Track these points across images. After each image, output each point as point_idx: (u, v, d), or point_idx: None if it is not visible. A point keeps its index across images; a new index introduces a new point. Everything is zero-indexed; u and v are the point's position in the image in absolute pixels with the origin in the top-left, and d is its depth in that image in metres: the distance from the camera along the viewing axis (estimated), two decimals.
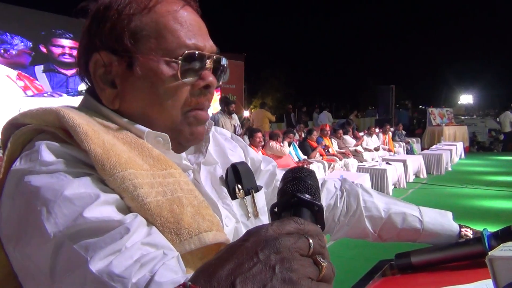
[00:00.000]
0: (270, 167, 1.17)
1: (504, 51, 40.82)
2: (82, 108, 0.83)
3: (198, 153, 0.94)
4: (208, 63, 0.85)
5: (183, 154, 0.91)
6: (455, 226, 1.17)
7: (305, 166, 8.26)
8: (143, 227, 0.66)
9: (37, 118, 0.77)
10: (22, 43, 10.40)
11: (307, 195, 0.66)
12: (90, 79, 0.85)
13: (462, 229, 1.16)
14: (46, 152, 0.70)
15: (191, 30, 0.83)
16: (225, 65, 0.91)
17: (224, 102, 8.93)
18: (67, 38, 11.28)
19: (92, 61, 0.81)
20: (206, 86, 0.84)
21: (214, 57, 0.86)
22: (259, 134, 7.85)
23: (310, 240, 0.48)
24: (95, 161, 0.69)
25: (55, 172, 0.67)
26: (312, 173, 0.76)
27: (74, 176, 0.67)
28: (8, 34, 10.07)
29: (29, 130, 0.77)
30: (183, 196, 0.74)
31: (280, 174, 1.18)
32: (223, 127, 7.47)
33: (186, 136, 0.86)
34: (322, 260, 0.48)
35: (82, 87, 0.91)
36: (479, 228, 1.14)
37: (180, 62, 0.80)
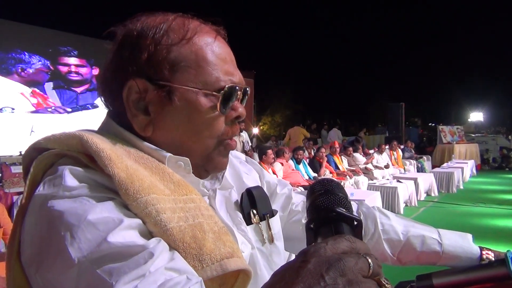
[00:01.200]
0: (285, 190, 1.17)
1: None
2: (102, 132, 0.83)
3: (214, 179, 0.95)
4: (239, 94, 0.87)
5: (200, 179, 0.91)
6: (475, 249, 1.14)
7: None
8: (166, 252, 0.65)
9: (59, 142, 0.77)
10: (40, 62, 10.59)
11: (343, 209, 0.66)
12: (114, 103, 0.86)
13: (484, 252, 1.14)
14: (69, 177, 0.70)
15: (226, 62, 0.85)
16: (249, 93, 0.93)
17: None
18: (72, 56, 11.46)
19: (126, 87, 0.81)
20: (237, 117, 0.87)
21: (243, 88, 0.88)
22: (270, 152, 7.98)
23: (369, 260, 0.49)
24: (119, 185, 0.69)
25: (78, 197, 0.67)
26: (340, 185, 0.75)
27: (97, 201, 0.67)
28: (26, 53, 10.29)
29: (51, 155, 0.77)
30: (204, 221, 0.73)
31: (295, 198, 1.18)
32: None
33: (215, 164, 0.88)
34: (385, 281, 0.49)
35: (98, 101, 0.92)
36: (498, 248, 1.12)
37: (220, 96, 0.82)
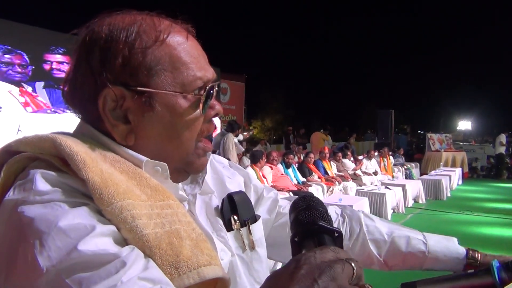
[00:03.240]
0: (272, 194, 1.17)
1: (501, 78, 41.20)
2: (77, 134, 0.80)
3: (194, 184, 0.93)
4: (214, 91, 0.85)
5: (180, 184, 0.89)
6: (461, 249, 1.13)
7: (304, 189, 8.24)
8: (140, 261, 0.63)
9: (31, 145, 0.74)
10: (26, 60, 10.48)
11: (324, 222, 0.72)
12: (86, 110, 0.82)
13: (470, 251, 1.13)
14: (41, 181, 0.67)
15: (199, 61, 0.83)
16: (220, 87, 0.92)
17: (232, 125, 8.90)
18: (55, 53, 11.34)
19: (102, 96, 0.77)
20: (215, 115, 0.87)
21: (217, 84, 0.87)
22: (264, 156, 8.15)
23: (352, 264, 0.55)
24: (93, 190, 0.66)
25: (49, 202, 0.64)
26: (320, 200, 0.82)
27: (70, 206, 0.64)
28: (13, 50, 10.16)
29: (23, 158, 0.74)
30: (181, 228, 0.71)
31: (282, 202, 1.18)
32: (225, 145, 7.43)
33: (196, 167, 0.87)
34: (369, 286, 0.56)
35: None
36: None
37: (199, 95, 0.81)
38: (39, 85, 10.81)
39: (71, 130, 0.86)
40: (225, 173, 1.06)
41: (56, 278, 0.57)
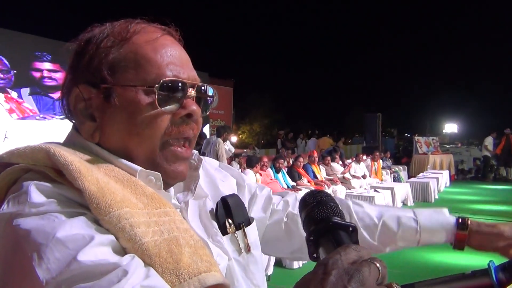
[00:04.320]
0: (265, 192, 1.17)
1: (486, 81, 41.84)
2: (69, 144, 0.80)
3: (187, 191, 0.93)
4: (191, 92, 0.83)
5: (172, 193, 0.89)
6: (451, 218, 1.14)
7: (295, 192, 8.24)
8: (141, 269, 0.62)
9: (24, 156, 0.73)
10: (13, 66, 10.35)
11: (338, 218, 0.71)
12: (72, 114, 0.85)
13: (459, 219, 1.14)
14: (36, 193, 0.66)
15: (170, 59, 0.82)
16: (211, 94, 0.90)
17: (219, 130, 8.88)
18: (45, 60, 11.21)
19: (72, 95, 0.80)
20: (188, 115, 0.83)
21: (197, 86, 0.85)
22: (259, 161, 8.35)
23: (378, 265, 0.55)
24: (90, 199, 0.66)
25: (45, 213, 0.63)
26: (329, 195, 0.80)
27: (67, 217, 0.64)
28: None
29: (15, 170, 0.73)
30: (180, 235, 0.71)
31: (275, 198, 1.18)
32: (218, 151, 7.40)
33: (168, 173, 0.83)
34: (396, 286, 0.56)
35: None
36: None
37: (156, 90, 0.78)
38: (25, 91, 10.67)
39: (61, 136, 0.86)
40: (217, 176, 1.06)
41: None
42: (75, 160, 0.70)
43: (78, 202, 0.68)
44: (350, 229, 0.69)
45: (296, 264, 5.51)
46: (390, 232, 1.16)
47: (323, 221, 0.71)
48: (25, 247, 0.59)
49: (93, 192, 0.66)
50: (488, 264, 1.04)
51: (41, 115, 10.81)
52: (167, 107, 0.80)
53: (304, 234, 1.14)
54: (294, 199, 1.20)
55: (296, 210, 1.14)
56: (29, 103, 10.65)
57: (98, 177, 0.70)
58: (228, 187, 1.05)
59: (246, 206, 1.05)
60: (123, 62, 0.79)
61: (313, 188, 8.95)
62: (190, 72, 0.85)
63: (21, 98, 10.55)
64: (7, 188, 0.72)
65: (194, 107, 0.83)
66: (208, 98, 0.90)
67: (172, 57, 0.82)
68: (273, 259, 4.89)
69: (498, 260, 1.03)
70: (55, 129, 10.66)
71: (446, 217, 1.15)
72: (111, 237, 0.64)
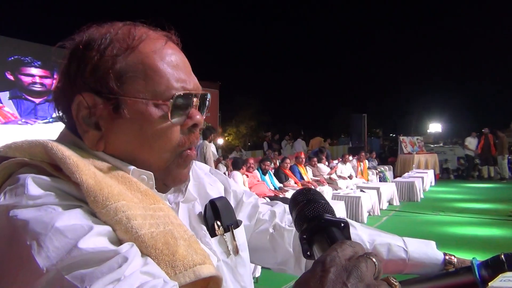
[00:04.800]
0: (252, 199, 1.16)
1: (470, 82, 42.47)
2: (62, 141, 0.79)
3: (177, 193, 0.93)
4: (195, 101, 0.84)
5: (162, 194, 0.89)
6: (439, 254, 1.16)
7: (281, 194, 8.26)
8: (139, 257, 0.64)
9: (21, 150, 0.73)
10: None
11: (329, 215, 0.72)
12: (67, 118, 0.83)
13: (446, 256, 1.15)
14: (33, 186, 0.66)
15: (178, 69, 0.82)
16: (209, 100, 0.91)
17: (205, 132, 8.89)
18: (36, 66, 11.08)
19: (74, 103, 0.78)
20: (194, 125, 0.84)
21: (200, 95, 0.86)
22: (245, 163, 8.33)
23: (374, 260, 0.56)
24: (87, 193, 0.67)
25: (43, 205, 0.64)
26: (318, 192, 0.81)
27: (64, 209, 0.64)
28: None
29: (12, 164, 0.73)
30: (174, 229, 0.72)
31: (262, 208, 1.17)
32: (206, 154, 7.40)
33: (174, 177, 0.86)
34: (393, 280, 0.56)
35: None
36: (458, 256, 1.13)
37: (170, 104, 0.79)
38: (4, 95, 10.53)
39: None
40: (206, 180, 1.06)
41: (56, 276, 0.57)
42: (73, 155, 0.71)
43: (75, 196, 0.68)
44: (342, 225, 0.70)
45: None
46: None
47: (315, 219, 0.72)
48: (23, 237, 0.59)
49: (91, 186, 0.67)
50: (471, 261, 1.05)
51: (23, 120, 10.68)
52: (177, 119, 0.81)
53: (289, 249, 1.16)
54: (283, 210, 1.19)
55: (284, 223, 1.15)
56: (9, 107, 10.51)
57: (95, 172, 0.71)
58: (216, 192, 1.05)
59: None
60: (131, 72, 0.78)
61: None
62: (194, 80, 0.85)
63: (1, 103, 10.40)
64: (2, 181, 0.72)
65: (199, 117, 0.85)
66: (207, 103, 0.91)
67: (178, 67, 0.82)
68: None
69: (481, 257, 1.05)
70: (39, 134, 10.53)
71: (435, 251, 1.15)
72: (108, 228, 0.65)
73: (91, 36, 0.80)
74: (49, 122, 10.69)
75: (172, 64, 0.81)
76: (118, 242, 0.65)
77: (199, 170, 1.07)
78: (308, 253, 0.73)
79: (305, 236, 0.72)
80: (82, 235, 0.60)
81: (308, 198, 0.78)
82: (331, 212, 0.74)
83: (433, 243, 1.20)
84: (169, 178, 0.85)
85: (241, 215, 1.11)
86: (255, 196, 1.19)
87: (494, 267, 0.99)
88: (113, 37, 0.79)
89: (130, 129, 0.79)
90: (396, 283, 0.56)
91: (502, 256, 0.95)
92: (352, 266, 0.55)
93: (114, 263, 0.59)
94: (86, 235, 0.61)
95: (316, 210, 0.74)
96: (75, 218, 0.63)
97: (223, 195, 1.06)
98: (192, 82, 0.84)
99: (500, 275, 0.74)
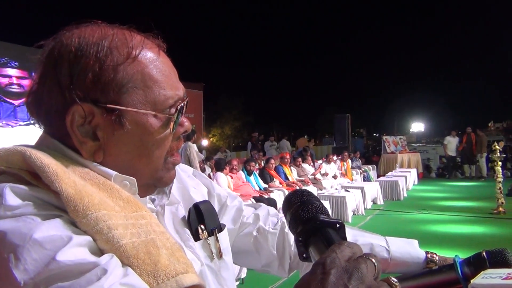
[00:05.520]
0: (236, 202, 1.16)
1: (450, 82, 43.09)
2: (42, 147, 0.76)
3: (161, 194, 0.92)
4: (185, 109, 0.85)
5: (146, 198, 0.88)
6: (421, 253, 1.16)
7: (266, 195, 8.27)
8: (120, 268, 0.62)
9: None
10: None
11: (324, 216, 0.72)
12: (52, 123, 0.78)
13: (428, 255, 1.16)
14: (11, 196, 0.64)
15: (171, 77, 0.82)
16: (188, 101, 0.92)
17: (192, 132, 8.87)
18: (12, 67, 10.87)
19: (70, 112, 0.74)
20: (184, 132, 0.86)
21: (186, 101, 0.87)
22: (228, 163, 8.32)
23: (373, 260, 0.57)
24: (67, 202, 0.64)
25: (21, 215, 0.62)
26: (311, 193, 0.81)
27: (43, 219, 0.62)
28: None
29: None
30: (157, 238, 0.71)
31: (246, 211, 1.17)
32: (190, 155, 7.35)
33: (166, 181, 0.87)
34: (393, 281, 0.57)
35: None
36: (441, 253, 1.14)
37: (170, 114, 0.80)
38: None
39: (25, 143, 0.82)
40: (190, 183, 1.05)
41: None
42: (52, 163, 0.68)
43: (55, 205, 0.66)
44: (338, 225, 0.70)
45: None
46: None
47: (310, 221, 0.72)
48: (1, 249, 0.58)
49: (71, 195, 0.65)
50: (454, 259, 1.06)
51: (4, 122, 10.48)
52: (175, 129, 0.82)
53: (273, 251, 1.16)
54: (266, 213, 1.19)
55: (267, 226, 1.15)
56: None
57: (75, 180, 0.68)
58: (200, 195, 1.04)
59: None
60: (131, 83, 0.76)
61: (285, 190, 9.05)
62: (182, 85, 0.85)
63: None
64: None
65: (187, 123, 0.87)
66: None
67: (170, 76, 0.82)
68: None
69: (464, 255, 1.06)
70: (21, 137, 10.35)
71: (417, 250, 1.16)
72: (88, 238, 0.64)
73: (84, 41, 0.76)
74: (30, 124, 10.47)
75: (166, 73, 0.81)
76: (99, 252, 0.64)
77: (182, 173, 1.06)
78: (304, 255, 0.72)
79: (300, 239, 0.71)
80: (61, 246, 0.59)
81: (302, 200, 0.77)
82: (326, 213, 0.74)
83: (415, 241, 1.21)
84: (162, 182, 0.86)
85: (225, 219, 1.10)
86: (239, 199, 1.19)
87: (476, 264, 1.00)
88: (111, 44, 0.77)
89: (130, 140, 0.78)
90: (396, 283, 0.56)
91: (484, 253, 0.97)
92: (352, 267, 0.55)
93: (93, 275, 0.57)
94: (65, 246, 0.59)
95: (311, 212, 0.73)
96: (54, 228, 0.61)
97: (207, 199, 1.06)
98: (181, 89, 0.84)
99: (482, 272, 0.75)
